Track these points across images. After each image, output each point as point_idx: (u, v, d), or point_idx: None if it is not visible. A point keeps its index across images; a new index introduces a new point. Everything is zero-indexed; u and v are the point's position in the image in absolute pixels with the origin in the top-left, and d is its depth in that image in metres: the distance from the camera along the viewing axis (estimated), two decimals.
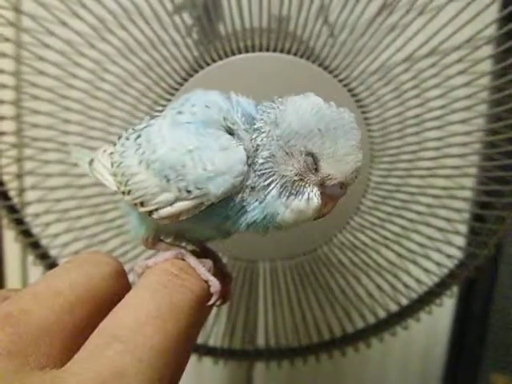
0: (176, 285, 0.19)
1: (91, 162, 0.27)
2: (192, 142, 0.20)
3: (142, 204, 0.22)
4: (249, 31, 0.36)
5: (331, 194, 0.21)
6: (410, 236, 0.41)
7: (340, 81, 0.36)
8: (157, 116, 0.24)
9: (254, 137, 0.21)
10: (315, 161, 0.21)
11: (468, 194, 0.42)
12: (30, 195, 0.42)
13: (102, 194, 0.39)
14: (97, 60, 0.36)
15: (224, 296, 0.23)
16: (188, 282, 0.20)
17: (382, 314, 0.45)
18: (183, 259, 0.22)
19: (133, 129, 0.24)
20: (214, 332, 0.46)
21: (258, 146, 0.21)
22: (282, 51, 0.35)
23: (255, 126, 0.21)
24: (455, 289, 0.45)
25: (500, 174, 0.39)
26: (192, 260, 0.22)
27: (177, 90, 0.36)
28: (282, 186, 0.21)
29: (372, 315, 0.45)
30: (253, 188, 0.21)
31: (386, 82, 0.37)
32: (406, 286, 0.44)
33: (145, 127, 0.23)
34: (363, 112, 0.37)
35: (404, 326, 0.45)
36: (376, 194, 0.40)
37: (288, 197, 0.21)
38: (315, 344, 0.46)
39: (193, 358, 0.46)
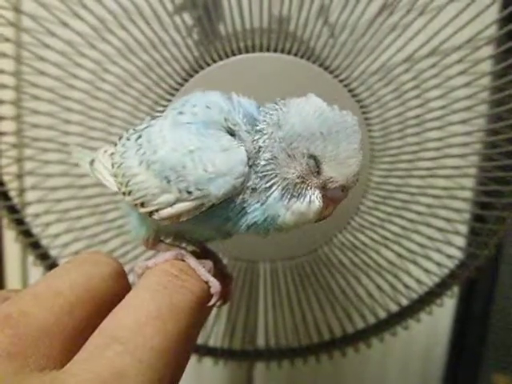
0: (176, 286, 0.19)
1: (92, 162, 0.27)
2: (193, 143, 0.20)
3: (142, 205, 0.22)
4: (249, 31, 0.36)
5: (332, 196, 0.21)
6: (410, 236, 0.41)
7: (341, 81, 0.36)
8: (158, 116, 0.24)
9: (255, 138, 0.21)
10: (317, 163, 0.21)
11: (468, 194, 0.42)
12: (30, 195, 0.42)
13: (103, 194, 0.39)
14: (97, 60, 0.36)
15: (224, 297, 0.23)
16: (188, 282, 0.20)
17: (382, 314, 0.45)
18: (183, 260, 0.22)
19: (134, 129, 0.24)
20: (214, 332, 0.46)
21: (259, 147, 0.21)
22: (282, 51, 0.35)
23: (257, 128, 0.21)
24: (456, 289, 0.45)
25: (500, 174, 0.39)
26: (192, 261, 0.22)
27: (177, 90, 0.36)
28: (283, 188, 0.21)
29: (372, 315, 0.45)
30: (254, 189, 0.21)
31: (386, 83, 0.37)
32: (406, 286, 0.44)
33: (146, 128, 0.23)
34: (364, 112, 0.37)
35: (404, 326, 0.45)
36: (376, 194, 0.40)
37: (289, 199, 0.21)
38: (315, 344, 0.46)
39: (193, 359, 0.46)
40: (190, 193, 0.20)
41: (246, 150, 0.21)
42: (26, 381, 0.14)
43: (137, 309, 0.17)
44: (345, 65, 0.36)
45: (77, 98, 0.37)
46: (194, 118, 0.21)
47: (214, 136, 0.21)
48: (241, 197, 0.21)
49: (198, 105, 0.22)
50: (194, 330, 0.19)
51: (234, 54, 0.35)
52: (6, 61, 0.38)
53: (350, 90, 0.36)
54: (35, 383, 0.14)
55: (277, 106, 0.22)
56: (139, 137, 0.23)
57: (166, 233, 0.24)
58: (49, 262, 0.43)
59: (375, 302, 0.44)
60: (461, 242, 0.44)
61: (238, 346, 0.46)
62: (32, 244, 0.42)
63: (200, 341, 0.45)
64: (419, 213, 0.40)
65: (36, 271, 0.44)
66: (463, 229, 0.43)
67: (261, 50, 0.36)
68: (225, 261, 0.41)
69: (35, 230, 0.42)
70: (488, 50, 0.37)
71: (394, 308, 0.45)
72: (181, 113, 0.22)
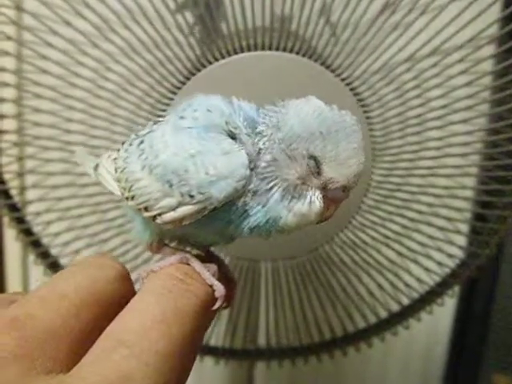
0: (181, 289, 0.19)
1: (96, 167, 0.28)
2: (194, 147, 0.20)
3: (145, 209, 0.22)
4: (251, 30, 0.36)
5: (333, 197, 0.21)
6: (411, 235, 0.41)
7: (342, 80, 0.36)
8: (159, 121, 0.24)
9: (256, 141, 0.21)
10: (317, 164, 0.21)
11: (469, 193, 0.42)
12: (31, 194, 0.42)
13: (104, 192, 0.39)
14: (100, 59, 0.36)
15: (228, 300, 0.23)
16: (193, 286, 0.20)
17: (383, 313, 0.45)
18: (188, 264, 0.22)
19: (136, 134, 0.24)
20: (215, 332, 0.46)
21: (260, 149, 0.21)
22: (284, 50, 0.35)
23: (257, 130, 0.21)
24: (456, 288, 0.45)
25: (501, 173, 0.39)
26: (197, 265, 0.22)
27: (179, 88, 0.36)
28: (284, 190, 0.21)
29: (373, 315, 0.45)
30: (255, 192, 0.21)
31: (387, 82, 0.37)
32: (407, 285, 0.44)
33: (148, 133, 0.23)
34: (365, 111, 0.37)
35: (405, 326, 0.45)
36: (377, 192, 0.40)
37: (290, 200, 0.21)
38: (316, 343, 0.46)
39: None
40: (192, 196, 0.20)
41: (247, 153, 0.21)
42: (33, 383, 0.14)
43: (142, 312, 0.17)
44: (346, 64, 0.36)
45: (79, 97, 0.37)
46: (195, 122, 0.21)
47: (216, 139, 0.21)
48: (242, 200, 0.21)
49: (199, 109, 0.22)
50: (198, 333, 0.19)
51: (236, 53, 0.35)
52: (7, 59, 0.38)
53: (351, 89, 0.36)
54: None
55: (276, 108, 0.22)
56: (141, 142, 0.23)
57: (170, 237, 0.24)
58: (49, 261, 0.43)
59: (376, 301, 0.44)
60: (462, 241, 0.44)
61: (239, 345, 0.46)
62: (33, 243, 0.42)
63: None
64: (420, 212, 0.40)
65: (37, 270, 0.44)
66: (464, 228, 0.43)
67: (263, 48, 0.36)
68: (227, 260, 0.41)
69: (36, 229, 0.42)
70: (489, 50, 0.37)
71: (394, 307, 0.45)
72: (182, 117, 0.22)
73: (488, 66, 0.38)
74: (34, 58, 0.37)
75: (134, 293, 0.19)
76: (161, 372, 0.15)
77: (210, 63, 0.35)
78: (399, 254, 0.42)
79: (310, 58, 0.35)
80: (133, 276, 0.21)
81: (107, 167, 0.26)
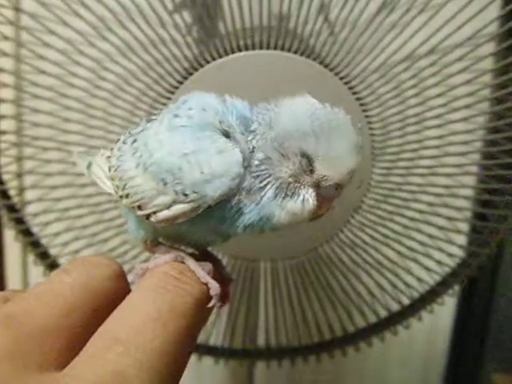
0: (176, 288, 0.19)
1: (89, 165, 0.27)
2: (188, 146, 0.20)
3: (139, 207, 0.22)
4: (249, 29, 0.36)
5: (326, 195, 0.21)
6: (411, 235, 0.41)
7: (341, 78, 0.36)
8: (153, 120, 0.24)
9: (249, 139, 0.21)
10: (310, 162, 0.21)
11: (469, 192, 0.42)
12: (30, 194, 0.42)
13: (102, 193, 0.39)
14: (97, 59, 0.36)
15: (223, 299, 0.23)
16: (188, 284, 0.20)
17: (383, 312, 0.45)
18: (183, 262, 0.22)
19: (129, 133, 0.24)
20: (214, 331, 0.46)
21: (253, 148, 0.21)
22: (282, 49, 0.35)
23: (250, 129, 0.21)
24: (456, 288, 0.45)
25: (502, 172, 0.39)
26: (191, 263, 0.22)
27: (177, 88, 0.36)
28: (277, 188, 0.21)
29: (373, 314, 0.45)
30: (249, 190, 0.21)
31: (386, 80, 0.37)
32: (407, 284, 0.43)
33: (141, 131, 0.23)
34: (364, 110, 0.37)
35: (405, 325, 0.45)
36: (377, 192, 0.39)
37: (283, 198, 0.21)
38: (316, 343, 0.46)
39: (193, 358, 0.46)
40: (186, 195, 0.20)
41: (241, 152, 0.21)
42: (28, 381, 0.14)
43: (137, 310, 0.17)
44: (345, 62, 0.36)
45: (77, 97, 0.37)
46: (190, 120, 0.21)
47: (210, 138, 0.21)
48: (237, 198, 0.21)
49: (194, 107, 0.22)
50: (193, 331, 0.19)
51: (233, 52, 0.35)
52: (5, 60, 0.38)
53: (350, 88, 0.36)
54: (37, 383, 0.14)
55: (269, 106, 0.22)
56: (135, 140, 0.23)
57: (165, 235, 0.24)
58: (49, 261, 0.43)
59: (376, 300, 0.44)
60: (462, 240, 0.43)
61: (239, 345, 0.46)
62: (32, 243, 0.42)
63: (200, 340, 0.45)
64: (420, 211, 0.40)
65: (36, 270, 0.44)
66: (464, 227, 0.43)
67: (260, 47, 0.35)
68: (225, 260, 0.41)
69: (35, 229, 0.42)
70: (489, 48, 0.37)
71: (394, 307, 0.45)
72: (176, 116, 0.22)
73: (488, 64, 0.37)
74: (32, 58, 0.37)
75: (129, 291, 0.19)
76: (155, 370, 0.15)
77: (208, 62, 0.35)
78: (399, 253, 0.42)
79: (308, 57, 0.35)
80: (129, 277, 0.21)
81: (101, 165, 0.26)
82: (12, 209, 0.42)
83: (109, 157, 0.25)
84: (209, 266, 0.22)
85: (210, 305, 0.21)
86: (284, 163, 0.21)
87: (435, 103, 0.38)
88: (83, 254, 0.41)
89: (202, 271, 0.21)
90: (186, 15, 0.35)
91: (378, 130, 0.38)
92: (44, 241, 0.42)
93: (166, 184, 0.21)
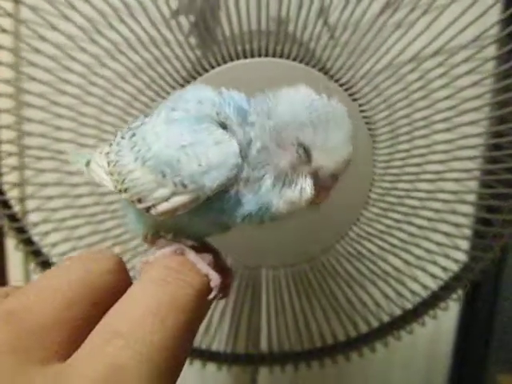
0: (176, 280, 0.19)
1: (88, 163, 0.28)
2: (186, 138, 0.21)
3: (139, 201, 0.22)
4: (247, 34, 0.35)
5: (324, 184, 0.22)
6: (418, 243, 0.40)
7: (341, 85, 0.35)
8: (151, 114, 0.24)
9: (246, 130, 0.21)
10: (307, 152, 0.21)
11: (474, 197, 0.41)
12: (29, 204, 0.41)
13: (99, 203, 0.39)
14: (84, 70, 0.35)
15: (224, 290, 0.23)
16: (188, 276, 0.20)
17: (386, 318, 0.45)
18: (183, 254, 0.22)
19: (128, 127, 0.24)
20: (217, 337, 0.45)
21: (250, 138, 0.21)
22: (281, 55, 0.34)
23: (248, 120, 0.22)
24: (460, 292, 0.44)
25: (507, 176, 0.38)
26: (192, 255, 0.22)
27: None
28: (275, 178, 0.21)
29: (376, 320, 0.45)
30: (247, 180, 0.21)
31: (393, 82, 0.36)
32: (412, 291, 0.43)
33: (140, 125, 0.23)
34: (365, 117, 0.36)
35: (408, 331, 0.45)
36: (385, 200, 0.38)
37: (281, 188, 0.21)
38: (319, 348, 0.46)
39: (196, 364, 0.46)
40: (185, 186, 0.20)
41: (238, 143, 0.21)
42: (31, 374, 0.14)
43: (137, 303, 0.17)
44: (347, 66, 0.35)
45: (67, 104, 0.37)
46: (187, 113, 0.22)
47: (207, 130, 0.21)
48: (235, 188, 0.21)
49: (190, 100, 0.22)
50: (194, 324, 0.19)
51: (231, 59, 0.34)
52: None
53: (350, 95, 0.35)
54: (39, 377, 0.14)
55: (266, 97, 0.22)
56: (133, 135, 0.23)
57: (165, 228, 0.24)
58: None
59: (379, 307, 0.44)
60: (466, 245, 0.43)
61: (242, 350, 0.46)
62: (33, 252, 0.42)
63: (203, 346, 0.45)
64: (428, 218, 0.39)
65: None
66: (468, 232, 0.42)
67: (259, 53, 0.34)
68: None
69: (35, 239, 0.42)
70: (493, 50, 0.35)
71: (397, 312, 0.44)
72: (173, 109, 0.22)
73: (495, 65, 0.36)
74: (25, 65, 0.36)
75: (130, 284, 0.19)
76: (155, 363, 0.15)
77: (206, 71, 0.34)
78: (406, 262, 0.41)
79: (307, 63, 0.34)
80: (131, 274, 0.21)
81: (99, 162, 0.26)
82: (13, 218, 0.42)
83: (107, 153, 0.25)
84: (209, 257, 0.22)
85: (211, 296, 0.21)
86: (282, 153, 0.21)
87: (443, 106, 0.37)
88: None
89: (202, 263, 0.21)
90: (184, 22, 0.34)
91: (387, 135, 0.37)
92: (44, 250, 0.42)
93: (164, 176, 0.21)
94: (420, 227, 0.40)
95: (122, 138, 0.24)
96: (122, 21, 0.34)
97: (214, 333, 0.45)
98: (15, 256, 0.54)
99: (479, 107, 0.37)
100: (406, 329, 0.45)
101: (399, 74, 0.36)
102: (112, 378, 0.14)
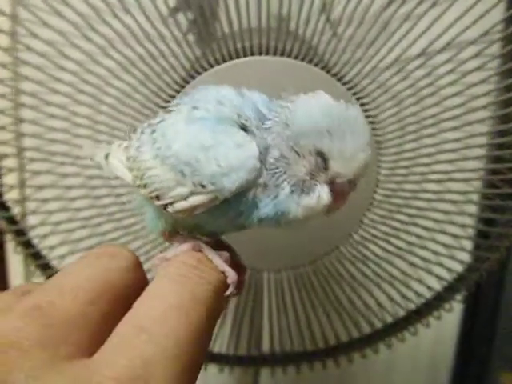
0: (195, 276, 0.19)
1: (107, 156, 0.27)
2: (207, 139, 0.21)
3: (157, 197, 0.22)
4: (246, 31, 0.34)
5: (341, 190, 0.22)
6: (424, 244, 0.39)
7: (344, 84, 0.34)
8: (171, 110, 0.23)
9: (264, 136, 0.22)
10: (325, 160, 0.21)
11: (479, 197, 0.40)
12: (28, 207, 0.41)
13: (94, 206, 0.38)
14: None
15: (239, 287, 0.23)
16: (206, 273, 0.20)
17: (389, 319, 0.44)
18: (200, 251, 0.22)
19: (148, 123, 0.24)
20: (219, 339, 0.45)
21: (267, 144, 0.21)
22: (282, 53, 0.33)
23: (266, 126, 0.22)
24: (464, 293, 0.44)
25: None
26: (209, 251, 0.22)
27: (173, 97, 0.34)
28: (293, 185, 0.21)
29: (379, 322, 0.44)
30: (265, 185, 0.21)
31: (400, 78, 0.35)
32: (416, 293, 0.42)
33: (159, 122, 0.23)
34: (369, 116, 0.35)
35: (412, 332, 0.44)
36: (391, 202, 0.38)
37: (299, 195, 0.21)
38: (321, 349, 0.45)
39: None
40: (203, 186, 0.21)
41: (257, 145, 0.21)
42: (59, 369, 0.14)
43: (160, 299, 0.17)
44: (351, 63, 0.34)
45: (59, 103, 0.36)
46: (208, 113, 0.22)
47: (228, 132, 0.21)
48: (253, 191, 0.21)
49: (212, 100, 0.22)
50: (212, 320, 0.19)
51: (231, 58, 0.33)
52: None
53: (354, 94, 0.34)
54: (67, 371, 0.14)
55: (284, 104, 0.22)
56: (153, 131, 0.23)
57: (183, 226, 0.24)
58: (49, 273, 0.42)
59: (383, 309, 0.43)
60: (471, 246, 0.42)
61: (244, 352, 0.45)
62: (33, 255, 0.41)
63: None
64: (435, 220, 0.38)
65: (38, 281, 0.43)
66: (472, 232, 0.42)
67: (260, 51, 0.33)
68: None
69: (34, 241, 0.41)
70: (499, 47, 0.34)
71: (401, 313, 0.44)
72: (195, 108, 0.22)
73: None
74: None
75: (146, 281, 0.20)
76: (179, 358, 0.16)
77: (205, 70, 0.33)
78: (411, 264, 0.40)
79: (310, 61, 0.33)
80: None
81: (118, 156, 0.26)
82: (12, 221, 0.41)
83: (126, 147, 0.25)
84: (226, 254, 0.22)
85: (228, 292, 0.21)
86: (300, 162, 0.21)
87: (451, 103, 0.36)
88: None
89: (219, 260, 0.21)
90: (182, 20, 0.33)
91: (393, 134, 0.36)
92: (43, 253, 0.42)
93: (184, 175, 0.21)
94: (427, 229, 0.39)
95: (142, 133, 0.24)
96: (116, 16, 0.32)
97: (216, 334, 0.45)
98: (15, 259, 0.53)
99: (488, 105, 0.35)
100: (410, 330, 0.44)
101: (406, 70, 0.35)
102: (139, 372, 0.15)
